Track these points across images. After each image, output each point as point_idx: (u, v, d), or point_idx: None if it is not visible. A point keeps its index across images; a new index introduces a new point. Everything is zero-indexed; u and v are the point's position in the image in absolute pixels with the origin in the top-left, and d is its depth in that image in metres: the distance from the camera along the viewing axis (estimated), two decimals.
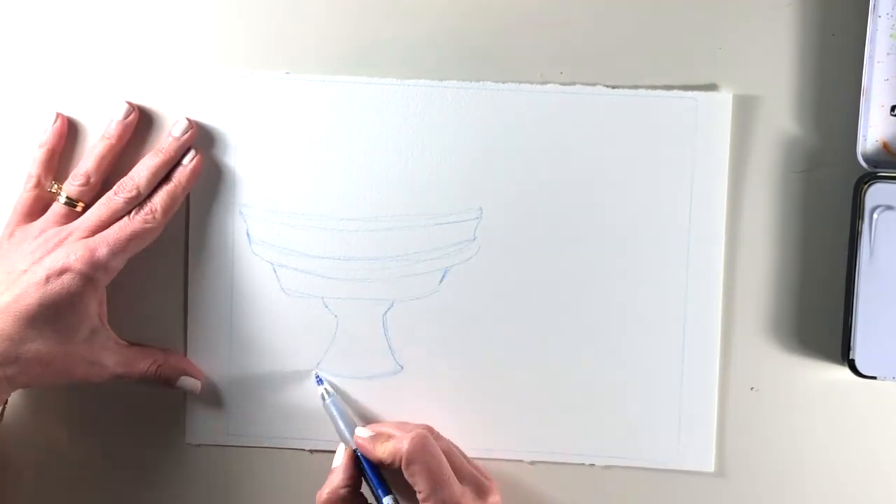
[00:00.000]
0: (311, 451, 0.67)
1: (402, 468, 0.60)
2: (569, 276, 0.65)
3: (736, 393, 0.66)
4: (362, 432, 0.63)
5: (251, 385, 0.67)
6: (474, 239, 0.66)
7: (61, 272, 0.61)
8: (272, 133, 0.66)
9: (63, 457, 0.68)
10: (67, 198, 0.64)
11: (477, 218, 0.65)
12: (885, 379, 0.64)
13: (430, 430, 0.64)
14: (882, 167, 0.63)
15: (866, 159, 0.63)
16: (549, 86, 0.65)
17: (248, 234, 0.66)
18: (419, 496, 0.59)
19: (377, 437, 0.62)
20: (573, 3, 0.65)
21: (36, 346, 0.60)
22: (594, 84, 0.65)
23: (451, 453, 0.62)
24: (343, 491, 0.62)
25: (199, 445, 0.68)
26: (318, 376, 0.67)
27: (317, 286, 0.66)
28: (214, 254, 0.66)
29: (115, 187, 0.64)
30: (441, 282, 0.66)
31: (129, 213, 0.63)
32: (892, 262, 0.63)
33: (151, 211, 0.63)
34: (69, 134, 0.67)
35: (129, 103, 0.65)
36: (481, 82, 0.65)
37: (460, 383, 0.66)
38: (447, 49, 0.65)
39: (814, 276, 0.65)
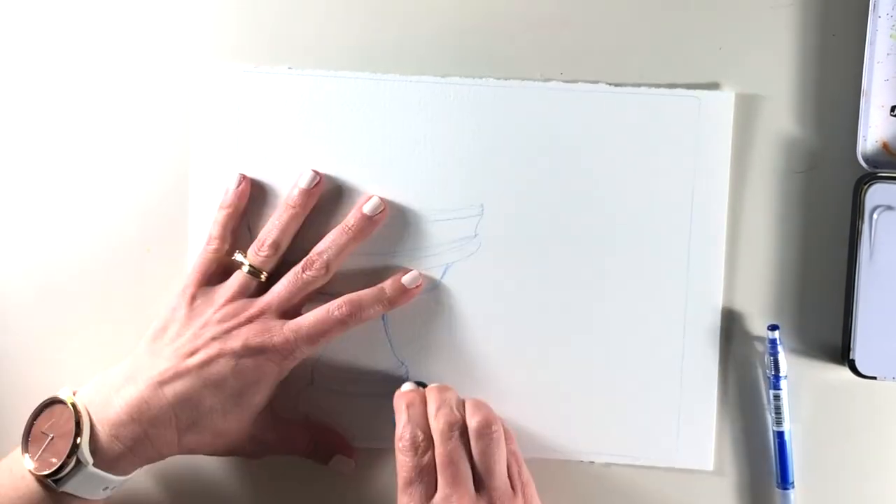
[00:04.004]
0: None
1: None
2: (570, 273, 0.66)
3: (735, 392, 0.66)
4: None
5: None
6: (475, 235, 0.66)
7: (257, 351, 0.60)
8: (274, 128, 0.66)
9: None
10: (252, 266, 0.63)
11: (478, 214, 0.65)
12: (885, 379, 0.64)
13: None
14: (882, 167, 0.63)
15: (866, 159, 0.63)
16: (551, 83, 0.65)
17: (248, 230, 0.66)
18: None
19: None
20: (576, 1, 0.65)
21: (216, 418, 0.60)
22: (596, 82, 0.65)
23: None
24: None
25: None
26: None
27: None
28: None
29: (302, 263, 0.63)
30: (442, 277, 0.66)
31: (328, 308, 0.62)
32: (892, 262, 0.63)
33: (351, 314, 0.62)
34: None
35: (315, 171, 0.64)
36: (483, 79, 0.65)
37: (460, 380, 0.66)
38: (450, 46, 0.65)
39: (814, 277, 0.65)
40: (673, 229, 0.65)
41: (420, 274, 0.65)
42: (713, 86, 0.65)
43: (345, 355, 0.66)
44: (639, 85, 0.65)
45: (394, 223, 0.66)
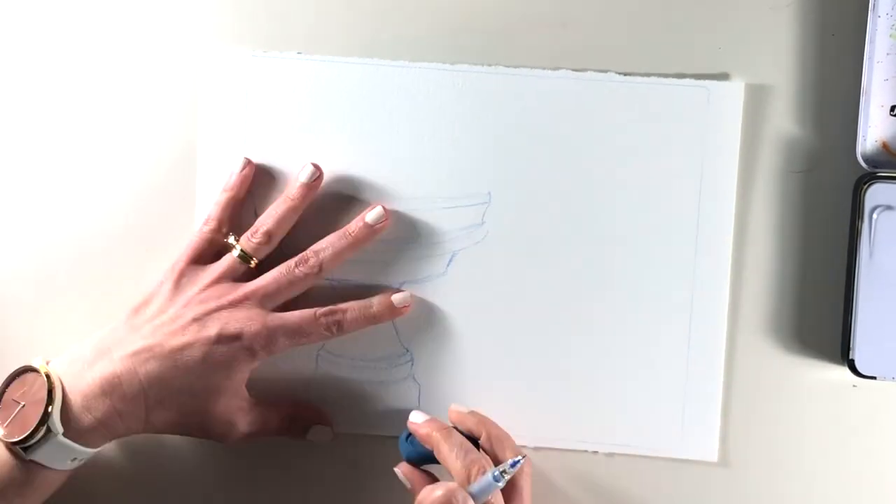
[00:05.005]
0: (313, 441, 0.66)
1: None
2: (576, 261, 0.65)
3: (738, 387, 0.66)
4: None
5: (256, 372, 0.65)
6: (483, 223, 0.66)
7: (233, 338, 0.60)
8: (282, 114, 0.65)
9: None
10: (242, 251, 0.63)
11: (486, 202, 0.65)
12: (885, 379, 0.64)
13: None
14: (882, 167, 0.63)
15: (866, 159, 0.63)
16: (560, 71, 0.65)
17: (255, 214, 0.65)
18: None
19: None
20: None
21: (184, 399, 0.59)
22: (606, 71, 0.65)
23: None
24: None
25: None
26: None
27: None
28: None
29: (296, 258, 0.63)
30: (448, 265, 0.66)
31: (314, 312, 0.62)
32: (892, 262, 0.63)
33: (337, 322, 0.62)
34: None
35: (315, 166, 0.64)
36: (493, 67, 0.65)
37: (464, 367, 0.66)
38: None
39: (814, 276, 0.66)
40: (680, 220, 0.65)
41: (410, 295, 0.65)
42: (723, 76, 0.65)
43: (350, 342, 0.66)
44: (648, 75, 0.65)
45: (401, 210, 0.65)
